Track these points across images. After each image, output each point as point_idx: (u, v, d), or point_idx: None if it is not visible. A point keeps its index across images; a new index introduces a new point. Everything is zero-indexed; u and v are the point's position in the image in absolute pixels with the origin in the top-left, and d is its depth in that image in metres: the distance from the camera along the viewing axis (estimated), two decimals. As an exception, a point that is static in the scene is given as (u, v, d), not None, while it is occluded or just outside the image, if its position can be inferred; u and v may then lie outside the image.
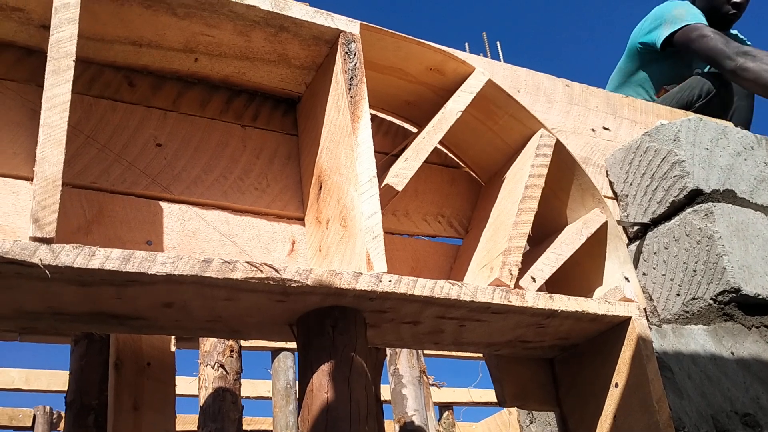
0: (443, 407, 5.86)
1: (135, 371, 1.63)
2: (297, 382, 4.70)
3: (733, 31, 3.36)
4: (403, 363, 3.45)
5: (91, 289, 1.18)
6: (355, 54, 1.56)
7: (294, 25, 1.54)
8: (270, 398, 4.86)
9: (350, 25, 1.59)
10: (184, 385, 4.64)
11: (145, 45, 1.53)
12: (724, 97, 2.85)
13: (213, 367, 2.52)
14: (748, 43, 3.38)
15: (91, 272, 1.12)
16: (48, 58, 1.24)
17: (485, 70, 1.83)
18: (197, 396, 2.83)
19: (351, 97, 1.52)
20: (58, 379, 4.82)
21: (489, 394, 6.07)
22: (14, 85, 1.47)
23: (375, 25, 1.65)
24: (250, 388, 5.45)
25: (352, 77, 1.54)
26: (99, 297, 1.21)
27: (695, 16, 2.96)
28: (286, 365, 4.57)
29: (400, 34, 1.68)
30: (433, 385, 4.32)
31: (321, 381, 1.30)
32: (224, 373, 2.53)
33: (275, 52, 1.60)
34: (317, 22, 1.55)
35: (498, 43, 6.00)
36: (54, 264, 1.09)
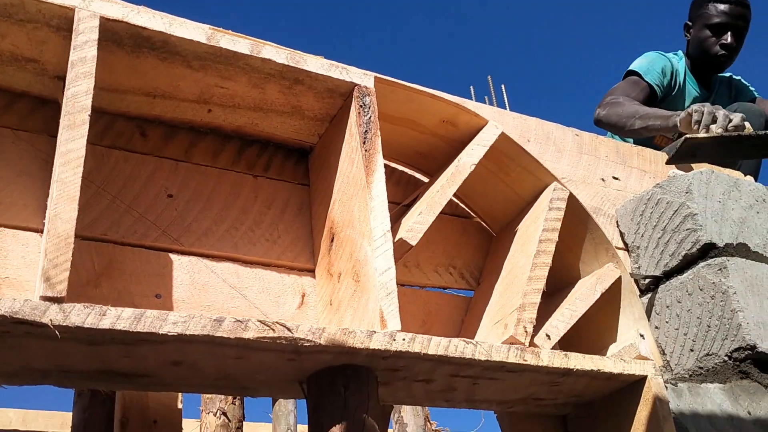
0: (445, 452, 5.76)
1: (141, 430, 1.58)
2: (298, 426, 4.62)
3: (737, 77, 3.37)
4: (407, 411, 3.40)
5: (100, 348, 1.16)
6: (369, 107, 1.56)
7: (309, 78, 1.54)
8: (270, 441, 4.76)
9: (365, 79, 1.59)
10: (186, 429, 4.55)
11: (158, 96, 1.53)
12: (732, 146, 2.84)
13: (215, 415, 2.48)
14: (750, 87, 3.38)
15: (102, 332, 1.10)
16: (63, 113, 1.24)
17: (495, 119, 1.83)
18: (197, 440, 2.77)
19: (365, 150, 1.51)
20: (56, 421, 4.73)
21: (492, 438, 5.97)
22: (27, 136, 1.46)
23: (389, 78, 1.65)
24: (250, 431, 5.35)
25: (366, 130, 1.53)
26: (107, 356, 1.19)
27: (638, 67, 3.07)
28: (287, 409, 4.49)
29: (414, 86, 1.68)
30: (436, 431, 4.25)
31: (332, 443, 1.27)
32: (226, 421, 2.48)
33: (289, 103, 1.60)
34: (332, 75, 1.55)
35: (503, 86, 6.02)
36: (64, 324, 1.07)
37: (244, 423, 3.06)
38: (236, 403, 2.53)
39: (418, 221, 1.53)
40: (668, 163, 2.36)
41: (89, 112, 1.24)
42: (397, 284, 1.73)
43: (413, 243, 1.51)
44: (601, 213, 2.17)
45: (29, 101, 1.49)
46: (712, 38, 3.08)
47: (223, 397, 2.51)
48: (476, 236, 1.94)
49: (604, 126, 2.99)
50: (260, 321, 1.22)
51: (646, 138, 3.09)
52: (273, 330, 1.22)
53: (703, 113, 2.40)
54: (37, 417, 4.79)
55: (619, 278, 1.76)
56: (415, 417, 3.43)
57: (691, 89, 3.19)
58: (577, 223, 1.81)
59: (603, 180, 2.27)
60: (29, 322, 1.05)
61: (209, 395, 2.53)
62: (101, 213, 1.46)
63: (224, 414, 2.47)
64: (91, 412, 1.79)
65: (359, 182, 1.50)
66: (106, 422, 1.77)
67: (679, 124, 2.54)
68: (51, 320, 1.06)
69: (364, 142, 1.52)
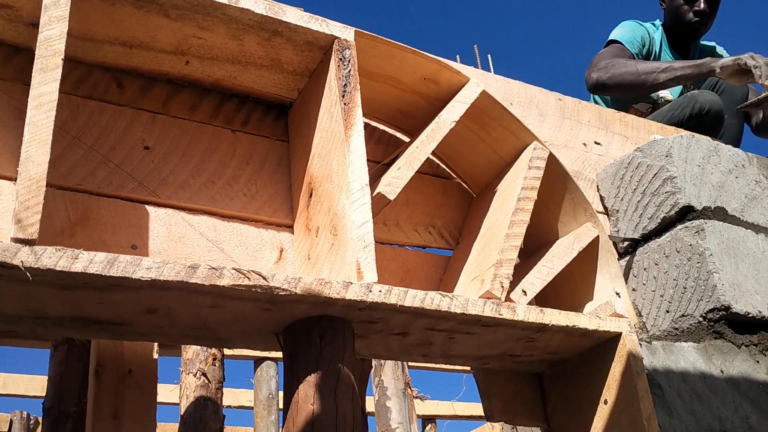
0: (426, 420, 5.82)
1: (116, 378, 1.58)
2: (279, 392, 4.66)
3: (709, 43, 3.37)
4: (388, 375, 3.42)
5: (74, 293, 1.15)
6: (349, 61, 1.55)
7: (288, 30, 1.52)
8: (251, 408, 4.80)
9: (345, 32, 1.57)
10: (165, 392, 4.57)
11: (135, 46, 1.51)
12: (716, 115, 2.86)
13: (195, 376, 2.48)
14: (724, 54, 3.38)
15: (74, 276, 1.09)
16: (36, 56, 1.22)
17: (479, 81, 1.82)
18: (178, 404, 2.78)
19: (344, 104, 1.50)
20: (36, 384, 4.73)
21: (473, 408, 6.04)
22: (0, 84, 1.44)
23: (370, 33, 1.64)
24: (231, 397, 5.37)
25: (345, 84, 1.52)
26: (81, 301, 1.18)
27: (620, 36, 3.06)
28: (269, 375, 4.52)
29: (395, 42, 1.67)
30: (417, 397, 4.28)
31: (307, 392, 1.27)
32: (206, 381, 2.48)
33: (268, 56, 1.58)
34: (312, 27, 1.53)
35: (489, 56, 5.98)
36: (36, 266, 1.06)
37: (226, 389, 3.07)
38: (216, 365, 2.53)
39: (397, 176, 1.53)
40: (740, 108, 2.52)
41: (62, 56, 1.22)
42: (377, 242, 1.74)
43: (391, 197, 1.50)
44: (582, 177, 2.18)
45: (2, 49, 1.46)
46: (685, 6, 3.09)
47: (203, 358, 2.51)
48: (456, 197, 1.94)
49: (609, 89, 2.95)
50: (235, 269, 1.21)
51: (621, 104, 3.10)
52: (248, 278, 1.22)
53: (761, 66, 2.48)
54: (18, 381, 4.79)
55: (597, 237, 1.77)
56: (395, 381, 3.45)
57: (668, 58, 3.19)
58: (556, 183, 1.81)
59: (585, 145, 2.27)
60: (-1, 263, 1.04)
61: (189, 356, 2.53)
62: (76, 163, 1.45)
63: (204, 375, 2.47)
64: (67, 365, 1.79)
65: (338, 136, 1.49)
66: (82, 375, 1.77)
67: (718, 70, 2.57)
68: (22, 262, 1.05)
69: (343, 96, 1.50)
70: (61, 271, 1.08)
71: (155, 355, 1.66)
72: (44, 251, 1.07)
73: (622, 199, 2.09)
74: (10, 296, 1.14)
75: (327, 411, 1.25)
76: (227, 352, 3.40)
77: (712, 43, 3.37)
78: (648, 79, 2.80)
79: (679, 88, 3.15)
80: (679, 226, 1.93)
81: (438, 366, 4.76)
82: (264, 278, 1.23)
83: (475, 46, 5.75)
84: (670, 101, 3.04)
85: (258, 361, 4.58)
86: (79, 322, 1.25)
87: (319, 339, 1.32)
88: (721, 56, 3.35)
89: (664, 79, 2.78)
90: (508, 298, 1.53)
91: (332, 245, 1.46)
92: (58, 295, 1.15)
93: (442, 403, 5.91)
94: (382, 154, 1.86)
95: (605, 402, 1.58)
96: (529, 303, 1.59)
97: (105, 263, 1.11)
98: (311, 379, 1.28)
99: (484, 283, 1.52)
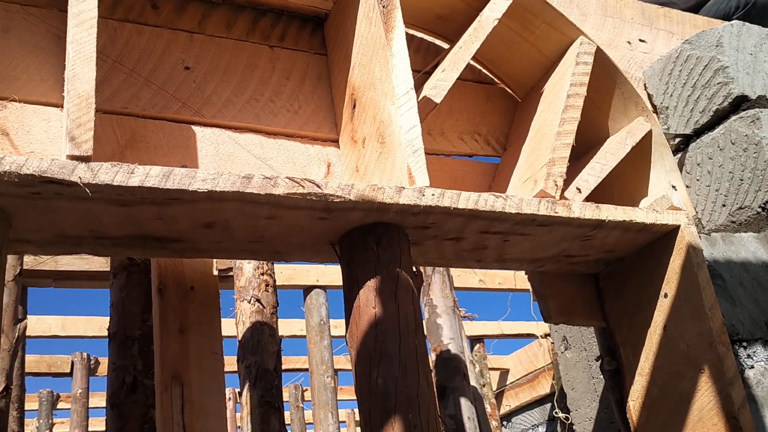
0: (474, 340, 5.90)
1: (179, 295, 1.62)
2: (330, 319, 4.74)
3: None
4: (436, 293, 3.45)
5: (132, 209, 1.16)
6: (385, -38, 1.49)
7: (320, -67, 1.47)
8: (304, 336, 4.91)
9: (378, -68, 1.51)
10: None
11: (166, -37, 1.48)
12: (764, 6, 2.73)
13: (249, 302, 2.52)
14: None
15: (132, 190, 1.10)
16: (70, -26, 1.19)
17: (517, -19, 1.75)
18: (234, 337, 2.84)
19: (383, 6, 1.45)
20: (94, 325, 4.89)
21: (519, 327, 6.09)
22: (36, 11, 1.42)
23: (403, -67, 1.58)
24: (283, 327, 5.48)
25: (383, -14, 1.47)
26: (140, 218, 1.19)
27: None
28: (319, 302, 4.60)
29: (430, -59, 1.60)
30: (464, 317, 4.33)
31: (368, 296, 1.28)
32: (261, 307, 2.52)
33: (301, -35, 1.54)
34: (344, -71, 1.48)
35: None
36: (93, 182, 1.06)
37: (279, 320, 3.10)
38: (269, 291, 2.57)
39: (442, 78, 1.49)
40: None
41: (97, -28, 1.19)
42: (422, 152, 1.72)
43: (437, 100, 1.47)
44: (628, 76, 2.09)
45: (35, -25, 1.44)
46: None
47: (256, 285, 2.55)
48: (501, 102, 1.89)
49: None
50: (289, 178, 1.21)
51: None
52: (302, 186, 1.21)
53: None
54: (76, 322, 4.95)
55: (650, 131, 1.72)
56: (444, 299, 3.48)
57: None
58: (604, 78, 1.75)
59: (629, 43, 2.19)
60: (58, 180, 1.05)
61: (242, 284, 2.58)
62: (119, 87, 1.44)
63: (258, 301, 2.52)
64: (127, 291, 1.83)
65: (378, 41, 1.45)
66: (143, 299, 1.81)
67: None
68: (80, 178, 1.05)
69: (381, -1, 1.46)
70: (119, 185, 1.08)
71: (215, 272, 1.69)
72: (100, 167, 1.08)
73: (671, 95, 2.03)
74: (69, 216, 1.16)
75: (389, 313, 1.26)
76: (277, 282, 3.44)
77: None
78: None
79: None
80: (733, 117, 1.87)
81: (484, 286, 4.78)
82: (317, 186, 1.22)
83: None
84: None
85: (307, 290, 4.66)
86: (138, 240, 1.26)
87: (375, 245, 1.32)
88: None
89: None
90: (562, 197, 1.50)
91: (380, 154, 1.44)
92: (117, 212, 1.16)
93: (488, 323, 5.98)
94: (421, 63, 1.81)
95: (665, 295, 1.56)
96: (584, 201, 1.56)
97: (161, 176, 1.11)
98: (371, 284, 1.28)
99: (537, 183, 1.50)
